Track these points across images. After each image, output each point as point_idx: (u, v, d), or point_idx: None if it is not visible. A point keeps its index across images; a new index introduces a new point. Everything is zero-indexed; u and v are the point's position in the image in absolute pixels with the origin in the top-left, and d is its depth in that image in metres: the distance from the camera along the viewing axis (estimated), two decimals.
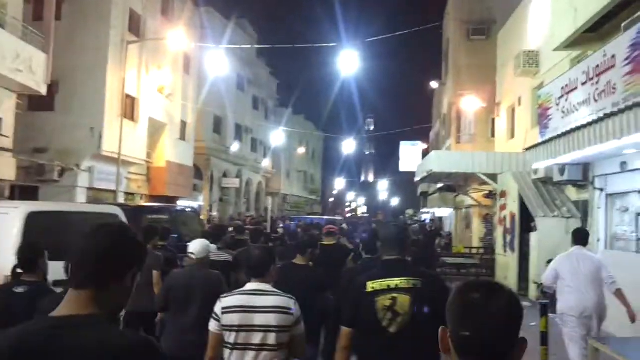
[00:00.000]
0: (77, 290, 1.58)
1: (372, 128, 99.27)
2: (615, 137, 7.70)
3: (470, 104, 23.54)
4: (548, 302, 5.61)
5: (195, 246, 4.74)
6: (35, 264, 3.84)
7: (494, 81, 20.81)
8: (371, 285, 3.06)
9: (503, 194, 14.58)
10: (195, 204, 26.04)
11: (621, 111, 7.43)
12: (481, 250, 19.91)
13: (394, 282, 3.03)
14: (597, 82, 8.48)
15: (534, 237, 12.18)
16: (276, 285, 3.46)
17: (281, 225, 23.04)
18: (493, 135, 22.09)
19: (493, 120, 21.99)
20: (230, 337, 3.21)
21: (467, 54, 24.78)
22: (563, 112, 9.99)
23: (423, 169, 18.45)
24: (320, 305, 4.62)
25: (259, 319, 3.19)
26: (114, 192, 18.47)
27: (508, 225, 13.91)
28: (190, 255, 4.75)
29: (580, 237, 6.22)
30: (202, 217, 22.47)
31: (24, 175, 16.64)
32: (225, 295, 3.38)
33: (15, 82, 14.05)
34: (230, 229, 10.30)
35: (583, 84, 9.02)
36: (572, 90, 9.53)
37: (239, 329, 3.19)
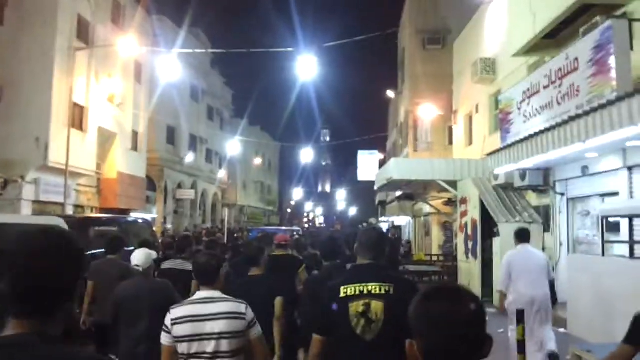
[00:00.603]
0: (19, 320, 1.28)
1: (327, 139, 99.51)
2: (580, 140, 7.65)
3: (427, 112, 23.69)
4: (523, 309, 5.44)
5: (140, 257, 4.67)
6: None
7: (450, 89, 20.99)
8: (344, 290, 2.90)
9: (463, 201, 14.53)
10: (149, 217, 25.14)
11: (586, 113, 7.39)
12: (441, 258, 19.96)
13: (367, 287, 2.89)
14: (559, 85, 8.46)
15: (496, 242, 12.12)
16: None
17: (235, 235, 22.45)
18: (450, 142, 22.25)
19: (450, 128, 22.15)
20: (184, 348, 3.10)
21: (423, 63, 24.99)
22: (525, 116, 9.97)
23: (382, 176, 18.31)
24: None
25: (210, 327, 3.10)
26: (62, 204, 17.55)
27: (469, 232, 13.84)
28: (135, 267, 4.68)
29: (524, 236, 6.73)
30: (155, 229, 21.63)
31: None
32: (174, 306, 3.27)
33: None
34: None
35: (545, 87, 9.01)
36: (534, 94, 9.52)
37: (191, 339, 3.09)
